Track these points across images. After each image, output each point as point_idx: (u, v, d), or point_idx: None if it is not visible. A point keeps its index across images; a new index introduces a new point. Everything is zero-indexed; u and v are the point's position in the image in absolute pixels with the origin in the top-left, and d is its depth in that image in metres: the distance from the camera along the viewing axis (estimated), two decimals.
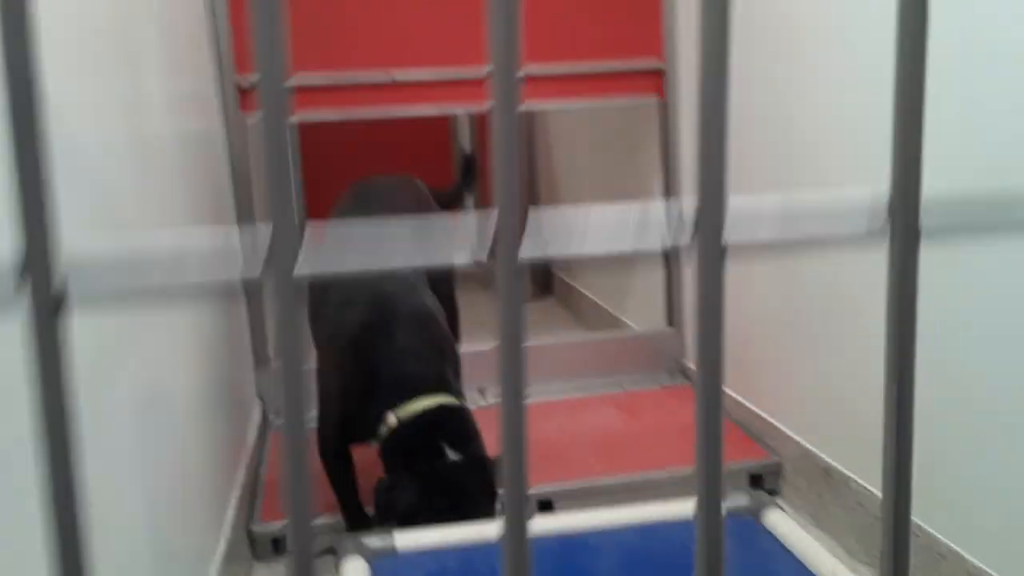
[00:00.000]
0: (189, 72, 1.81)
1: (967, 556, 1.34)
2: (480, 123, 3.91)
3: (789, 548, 1.27)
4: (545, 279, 3.96)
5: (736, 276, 2.01)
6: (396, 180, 2.01)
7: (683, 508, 1.41)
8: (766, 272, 1.91)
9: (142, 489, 1.13)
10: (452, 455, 1.47)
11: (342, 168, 4.03)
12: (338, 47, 2.13)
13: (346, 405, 1.58)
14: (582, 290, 3.45)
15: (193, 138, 1.78)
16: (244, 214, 2.13)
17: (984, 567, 1.31)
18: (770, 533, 1.32)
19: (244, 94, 2.08)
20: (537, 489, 1.75)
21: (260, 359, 2.18)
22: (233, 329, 1.99)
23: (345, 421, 1.59)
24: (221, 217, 1.99)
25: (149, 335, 1.22)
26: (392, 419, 1.49)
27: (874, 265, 1.52)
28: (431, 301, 1.66)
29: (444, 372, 1.56)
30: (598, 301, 3.22)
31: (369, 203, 1.87)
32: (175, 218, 1.49)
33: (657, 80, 2.28)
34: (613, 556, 1.31)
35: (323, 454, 1.63)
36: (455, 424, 1.50)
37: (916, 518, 1.44)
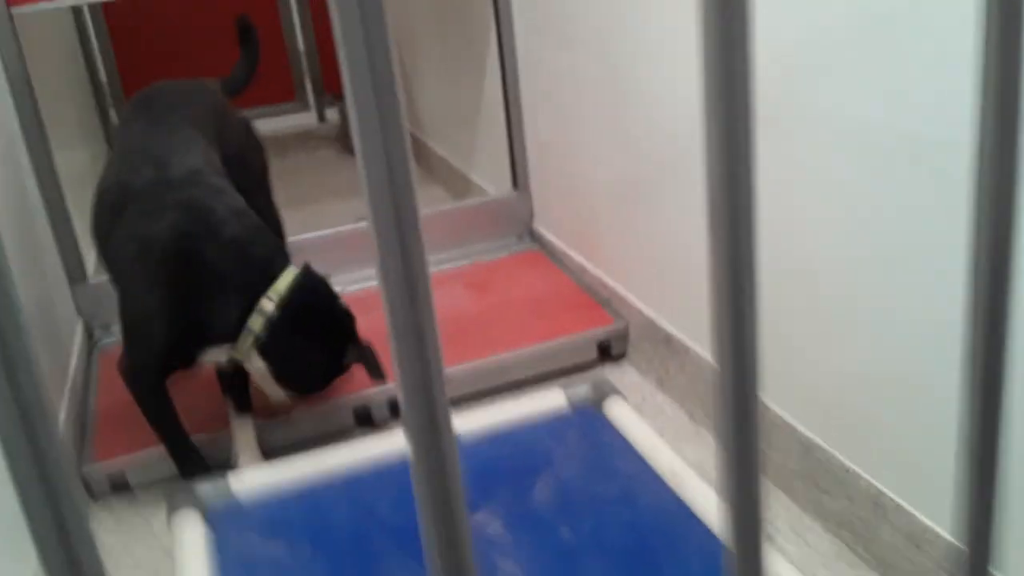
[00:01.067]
0: None
1: (799, 427, 1.39)
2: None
3: (629, 439, 1.28)
4: None
5: (579, 139, 1.94)
6: (181, 86, 1.78)
7: (527, 406, 1.40)
8: (608, 137, 1.85)
9: None
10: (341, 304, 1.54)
11: (164, 55, 3.69)
12: None
13: (176, 322, 1.44)
14: (429, 144, 3.33)
15: None
16: (31, 127, 1.88)
17: (814, 437, 1.37)
18: (611, 424, 1.33)
19: None
20: (387, 388, 1.71)
21: (74, 276, 2.00)
22: (36, 246, 1.80)
23: (173, 344, 1.47)
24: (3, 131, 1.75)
25: None
26: (267, 303, 1.43)
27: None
28: (233, 196, 1.54)
29: (282, 245, 1.55)
30: (447, 157, 3.12)
31: (152, 114, 1.66)
32: None
33: None
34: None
35: (141, 390, 1.51)
36: (323, 282, 1.53)
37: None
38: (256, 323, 1.44)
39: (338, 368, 1.54)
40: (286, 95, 3.82)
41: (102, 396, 1.82)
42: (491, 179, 2.61)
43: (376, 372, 1.52)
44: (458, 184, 2.95)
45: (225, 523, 1.20)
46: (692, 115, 1.51)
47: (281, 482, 1.27)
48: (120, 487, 1.65)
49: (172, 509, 1.21)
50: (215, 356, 1.50)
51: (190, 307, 1.44)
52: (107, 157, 1.66)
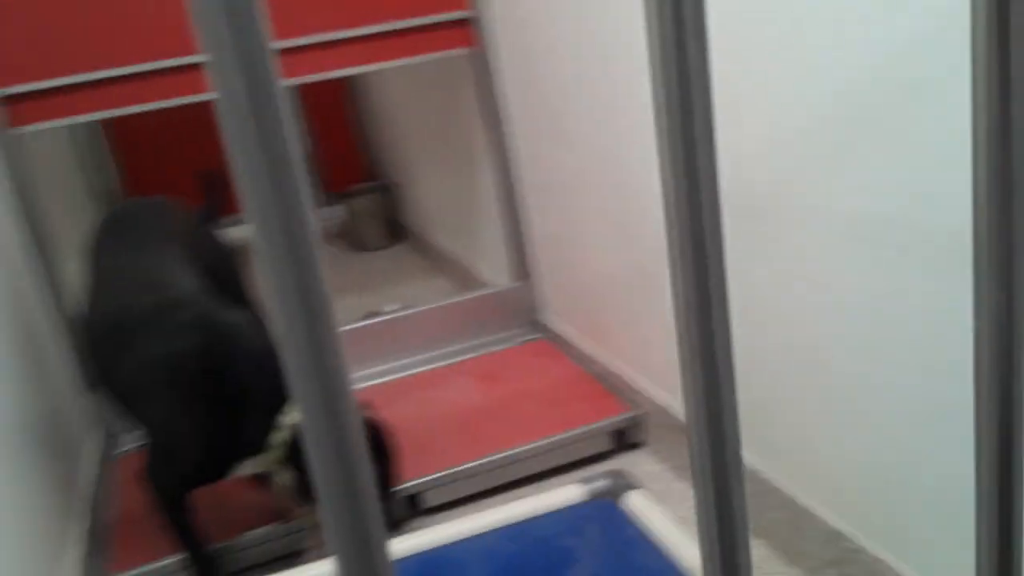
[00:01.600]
0: None
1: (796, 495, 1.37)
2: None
3: (650, 533, 1.26)
4: (396, 226, 3.87)
5: (581, 229, 1.97)
6: (146, 205, 1.80)
7: (545, 501, 1.38)
8: (609, 227, 1.87)
9: None
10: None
11: (167, 159, 3.78)
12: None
13: (204, 442, 1.43)
14: (432, 239, 3.38)
15: None
16: (40, 243, 1.92)
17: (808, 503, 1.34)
18: (630, 517, 1.30)
19: (12, 105, 1.84)
20: (403, 485, 1.69)
21: (92, 384, 2.01)
22: (43, 360, 1.81)
23: (201, 463, 1.46)
24: (7, 252, 1.78)
25: None
26: (289, 419, 1.44)
27: None
28: (237, 309, 1.54)
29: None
30: (449, 250, 3.15)
31: (128, 236, 1.68)
32: None
33: (466, 31, 2.16)
34: (479, 567, 1.27)
35: (166, 507, 1.48)
36: None
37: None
38: (280, 437, 1.43)
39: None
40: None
41: (126, 504, 1.80)
42: (495, 271, 2.64)
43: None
44: (463, 276, 2.98)
45: None
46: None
47: None
48: None
49: None
50: (243, 470, 1.49)
51: (218, 425, 1.43)
52: (88, 283, 1.64)
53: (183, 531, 1.51)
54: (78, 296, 2.00)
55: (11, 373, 1.55)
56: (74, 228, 2.74)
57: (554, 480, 1.82)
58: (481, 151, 2.46)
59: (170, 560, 1.61)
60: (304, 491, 1.47)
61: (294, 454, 1.44)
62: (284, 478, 1.46)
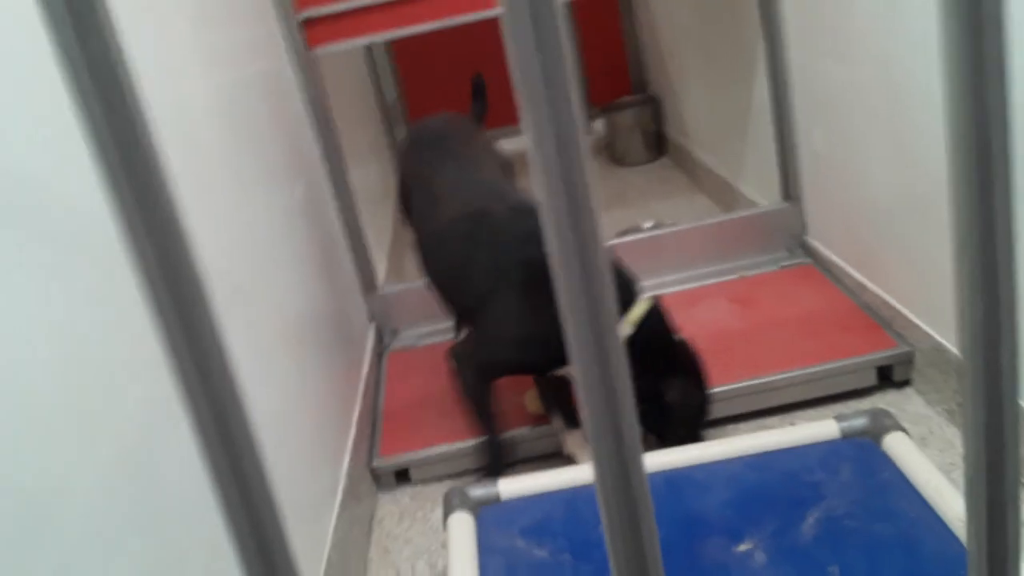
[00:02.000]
0: (251, 18, 1.75)
1: None
2: None
3: (911, 478, 1.19)
4: (658, 141, 3.81)
5: (858, 150, 1.83)
6: (452, 121, 1.92)
7: (797, 434, 1.34)
8: (889, 150, 1.73)
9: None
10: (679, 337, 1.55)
11: (445, 79, 3.97)
12: None
13: (535, 343, 1.51)
14: (696, 154, 3.29)
15: (266, 82, 1.74)
16: (331, 152, 2.10)
17: None
18: (891, 460, 1.24)
19: (309, 28, 2.01)
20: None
21: (367, 286, 2.21)
22: (334, 262, 2.01)
23: (523, 361, 1.58)
24: (303, 159, 1.97)
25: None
26: (624, 328, 1.49)
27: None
28: None
29: (635, 276, 1.60)
30: (712, 166, 3.06)
31: (451, 150, 1.79)
32: (259, 169, 1.49)
33: None
34: (720, 491, 1.27)
35: (473, 385, 1.62)
36: (666, 320, 1.55)
37: None
38: None
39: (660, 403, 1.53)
40: (511, 119, 3.95)
41: (389, 396, 1.99)
42: (760, 190, 2.53)
43: (682, 426, 1.53)
44: (725, 195, 2.89)
45: (492, 525, 1.26)
46: None
47: (546, 490, 1.31)
48: (404, 479, 1.80)
49: (447, 510, 1.29)
50: (560, 372, 1.60)
51: (553, 329, 1.51)
52: (417, 193, 1.79)
53: (483, 413, 1.64)
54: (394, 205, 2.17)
55: (312, 271, 1.74)
56: (361, 139, 2.98)
57: (809, 413, 1.75)
58: (752, 63, 2.34)
59: (433, 449, 1.76)
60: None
61: None
62: None
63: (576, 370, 0.27)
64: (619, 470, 0.29)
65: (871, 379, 1.78)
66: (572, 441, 1.72)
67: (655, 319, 1.52)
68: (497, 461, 1.66)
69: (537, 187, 0.26)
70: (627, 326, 1.48)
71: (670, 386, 1.52)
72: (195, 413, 0.24)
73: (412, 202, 1.81)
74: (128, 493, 0.84)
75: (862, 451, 1.26)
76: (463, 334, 2.02)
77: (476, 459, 1.76)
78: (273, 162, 1.64)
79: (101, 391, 0.83)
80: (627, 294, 1.51)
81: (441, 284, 1.72)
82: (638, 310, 1.51)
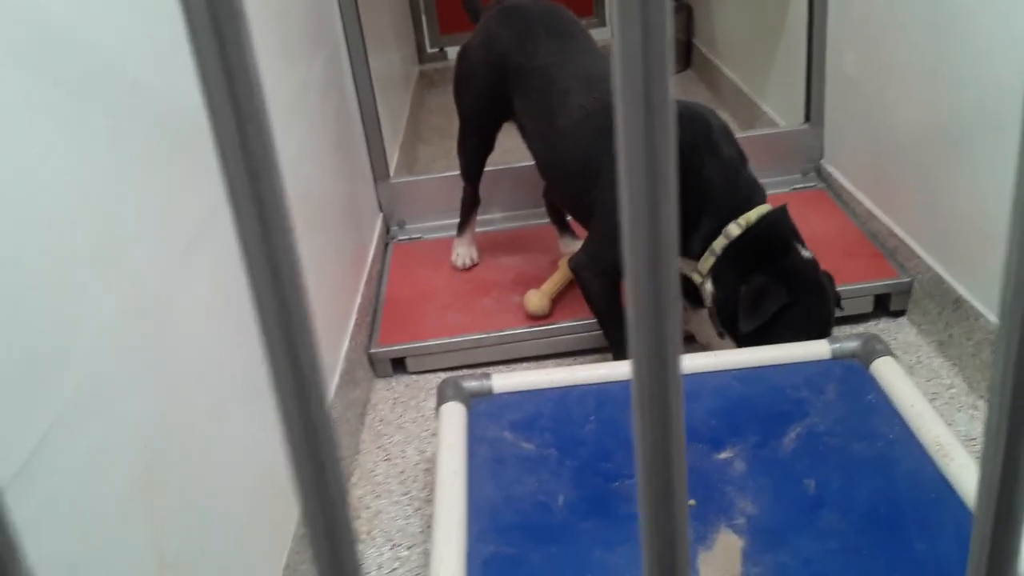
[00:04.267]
0: None
1: None
2: None
3: (894, 402, 1.21)
4: (685, 51, 3.73)
5: (888, 75, 1.79)
6: (550, 4, 1.83)
7: (788, 351, 1.37)
8: (922, 76, 1.70)
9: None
10: (805, 252, 1.48)
11: None
12: None
13: None
14: (722, 67, 3.23)
15: None
16: (352, 32, 2.06)
17: None
18: (877, 383, 1.26)
19: None
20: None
21: (379, 174, 2.20)
22: (348, 146, 2.01)
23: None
24: (324, 33, 1.94)
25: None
26: (735, 228, 1.46)
27: None
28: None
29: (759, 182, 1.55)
30: (737, 81, 3.01)
31: (566, 35, 1.72)
32: (278, 34, 1.47)
33: None
34: (707, 400, 1.30)
35: (596, 289, 1.60)
36: (791, 226, 1.50)
37: None
38: (719, 245, 1.47)
39: (800, 309, 1.45)
40: (585, 10, 3.84)
41: (392, 286, 2.02)
42: (783, 110, 2.50)
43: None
44: (746, 112, 2.85)
45: (483, 417, 1.30)
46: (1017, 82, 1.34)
47: (538, 387, 1.35)
48: (401, 368, 1.84)
49: (441, 400, 1.33)
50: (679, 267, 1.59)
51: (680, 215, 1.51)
52: (527, 79, 1.71)
53: (610, 309, 1.62)
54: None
55: (324, 151, 1.73)
56: (386, 25, 2.92)
57: None
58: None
59: (431, 341, 1.80)
60: (721, 313, 1.51)
61: (722, 266, 1.47)
62: (707, 289, 1.51)
63: (627, 261, 0.27)
64: (658, 366, 0.29)
65: (867, 306, 1.80)
66: (696, 320, 1.69)
67: (774, 224, 1.48)
68: (623, 346, 1.65)
69: (617, 78, 0.26)
70: (735, 226, 1.46)
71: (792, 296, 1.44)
72: (251, 266, 0.25)
73: (515, 89, 1.74)
74: (139, 336, 0.87)
75: (850, 372, 1.29)
76: (462, 233, 2.03)
77: (472, 355, 1.80)
78: (292, 29, 1.61)
79: (114, 235, 0.84)
80: (745, 198, 1.48)
81: (560, 178, 1.69)
82: (754, 213, 1.47)
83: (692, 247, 1.50)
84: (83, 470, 0.75)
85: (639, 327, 0.27)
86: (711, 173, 1.47)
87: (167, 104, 1.00)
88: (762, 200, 1.51)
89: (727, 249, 1.46)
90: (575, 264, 1.64)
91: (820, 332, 1.44)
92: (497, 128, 1.91)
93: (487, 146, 1.95)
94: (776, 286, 1.43)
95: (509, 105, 1.80)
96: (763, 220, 1.46)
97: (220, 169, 0.24)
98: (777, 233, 1.47)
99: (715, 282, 1.49)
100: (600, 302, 1.63)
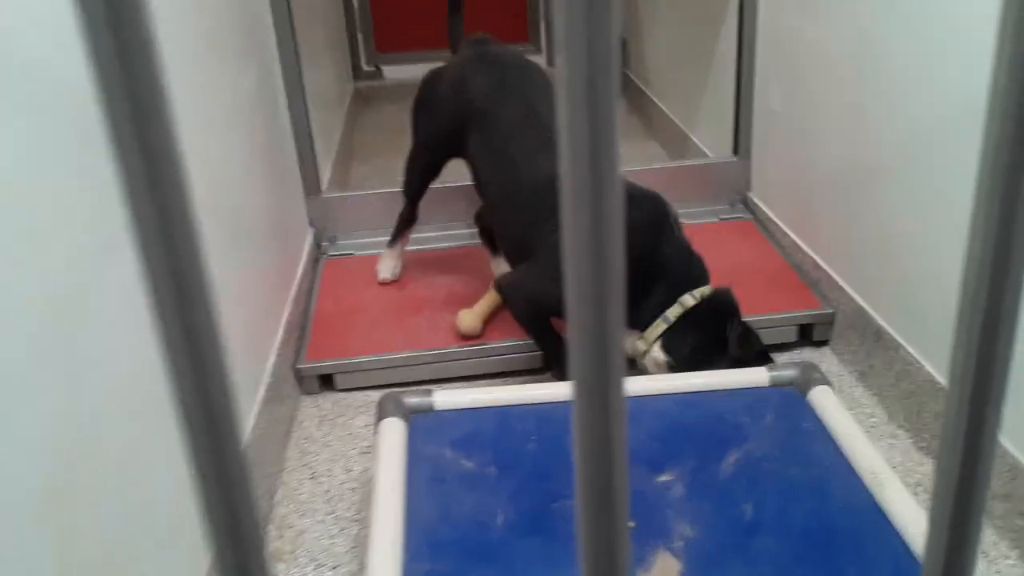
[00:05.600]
0: None
1: (1011, 449, 1.30)
2: None
3: (830, 430, 1.24)
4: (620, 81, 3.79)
5: (812, 112, 1.86)
6: (522, 57, 1.88)
7: (726, 378, 1.39)
8: (844, 114, 1.76)
9: None
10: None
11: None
12: None
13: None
14: (654, 98, 3.30)
15: None
16: (287, 46, 2.02)
17: None
18: (814, 411, 1.29)
19: None
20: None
21: (310, 189, 2.16)
22: (279, 160, 1.96)
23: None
24: (257, 45, 1.89)
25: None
26: (690, 299, 1.57)
27: (955, 122, 1.37)
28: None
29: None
30: (668, 112, 3.08)
31: (533, 96, 1.75)
32: (209, 43, 1.43)
33: None
34: (648, 423, 1.31)
35: (528, 321, 1.67)
36: (736, 302, 1.61)
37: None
38: (673, 313, 1.56)
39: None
40: (519, 36, 3.87)
41: (321, 302, 1.97)
42: (711, 142, 2.56)
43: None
44: (677, 143, 2.92)
45: (423, 434, 1.28)
46: (944, 103, 1.41)
47: (479, 405, 1.33)
48: (328, 385, 1.79)
49: (380, 415, 1.30)
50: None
51: (632, 286, 1.54)
52: (492, 123, 1.73)
53: (545, 338, 1.68)
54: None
55: (254, 163, 1.69)
56: (321, 41, 2.88)
57: None
58: (721, 13, 2.34)
59: (360, 359, 1.76)
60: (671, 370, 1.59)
61: (672, 336, 1.56)
62: (655, 356, 1.59)
63: (569, 285, 0.26)
64: (600, 390, 0.28)
65: (792, 335, 1.85)
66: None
67: (724, 298, 1.60)
68: (562, 370, 1.68)
69: (563, 109, 0.25)
70: (690, 297, 1.57)
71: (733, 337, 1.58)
72: (148, 266, 0.22)
73: (476, 132, 1.75)
74: (51, 336, 0.82)
75: (788, 400, 1.32)
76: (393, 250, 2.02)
77: (402, 373, 1.77)
78: (224, 39, 1.57)
79: (31, 228, 0.80)
80: (699, 274, 1.61)
81: (508, 224, 1.72)
82: (707, 288, 1.60)
83: (640, 317, 1.58)
84: None
85: (582, 354, 0.26)
86: (668, 249, 1.58)
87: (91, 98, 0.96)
88: (708, 279, 1.63)
89: (682, 317, 1.56)
90: (504, 284, 1.67)
91: None
92: (446, 160, 1.92)
93: (434, 171, 1.95)
94: (754, 332, 1.61)
95: (463, 144, 1.81)
96: (715, 294, 1.59)
97: (116, 167, 0.21)
98: (727, 306, 1.60)
99: (667, 346, 1.57)
100: (532, 323, 1.67)
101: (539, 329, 1.67)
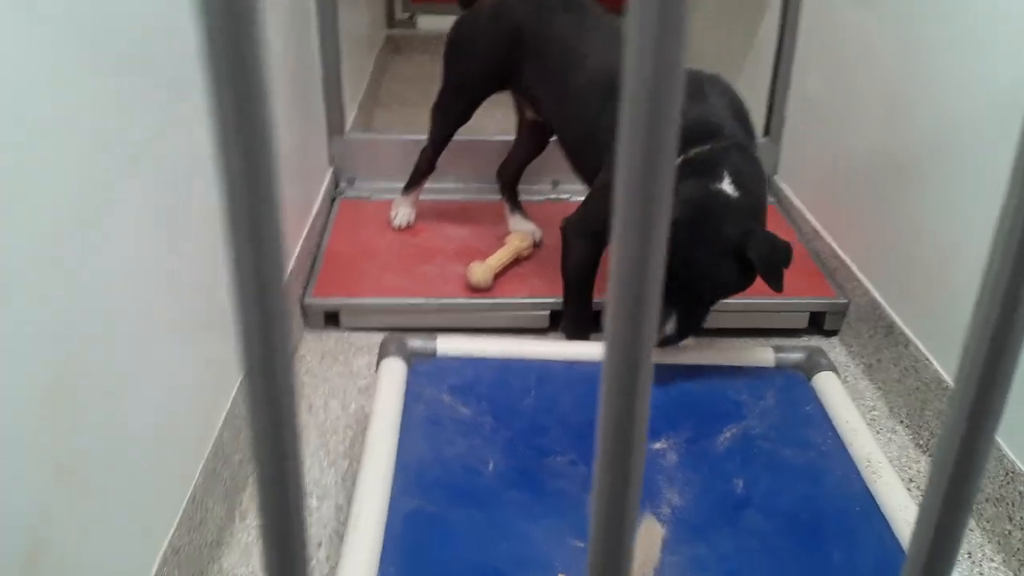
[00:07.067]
0: None
1: (1007, 451, 1.29)
2: None
3: (831, 416, 1.23)
4: None
5: (849, 100, 1.83)
6: None
7: (733, 355, 1.38)
8: (882, 105, 1.73)
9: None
10: (730, 189, 1.33)
11: None
12: None
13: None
14: None
15: None
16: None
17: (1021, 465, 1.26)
18: (816, 396, 1.28)
19: None
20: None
21: (334, 128, 2.14)
22: (306, 95, 1.94)
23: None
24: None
25: None
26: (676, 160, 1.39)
27: (996, 125, 1.35)
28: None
29: (737, 131, 1.44)
30: None
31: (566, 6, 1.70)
32: None
33: None
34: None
35: (577, 261, 1.58)
36: (739, 160, 1.36)
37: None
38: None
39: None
40: None
41: (334, 241, 1.97)
42: None
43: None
44: None
45: (423, 377, 1.27)
46: (987, 104, 1.38)
47: (481, 355, 1.33)
48: (333, 322, 1.79)
49: (383, 355, 1.30)
50: None
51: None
52: (545, 47, 1.69)
53: (584, 288, 1.61)
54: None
55: (280, 94, 1.67)
56: None
57: (733, 342, 1.80)
58: None
59: (366, 299, 1.76)
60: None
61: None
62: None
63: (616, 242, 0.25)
64: (632, 347, 0.28)
65: (802, 322, 1.83)
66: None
67: (725, 156, 1.37)
68: (578, 327, 1.64)
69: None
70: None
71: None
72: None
73: (528, 57, 1.71)
74: (64, 243, 0.81)
75: (791, 382, 1.31)
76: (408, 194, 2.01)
77: (407, 318, 1.76)
78: None
79: (53, 133, 0.79)
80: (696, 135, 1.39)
81: (572, 138, 1.66)
82: (704, 148, 1.38)
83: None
84: None
85: (619, 298, 0.25)
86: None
87: (126, 17, 0.95)
88: (721, 139, 1.43)
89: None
90: (565, 222, 1.60)
91: None
92: (485, 97, 1.88)
93: (468, 114, 1.91)
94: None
95: (508, 75, 1.78)
96: (705, 154, 1.39)
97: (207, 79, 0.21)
98: (709, 165, 1.38)
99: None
100: (576, 267, 1.59)
101: (579, 285, 1.61)
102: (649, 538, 1.14)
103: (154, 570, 1.03)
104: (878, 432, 1.56)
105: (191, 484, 1.15)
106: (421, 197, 2.06)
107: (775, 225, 2.09)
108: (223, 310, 1.31)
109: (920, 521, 0.35)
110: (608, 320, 0.25)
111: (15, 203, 0.73)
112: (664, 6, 0.23)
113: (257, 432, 0.25)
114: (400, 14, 3.75)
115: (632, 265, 0.25)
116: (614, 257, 0.25)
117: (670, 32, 0.24)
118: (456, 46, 1.88)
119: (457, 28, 1.88)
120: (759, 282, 1.86)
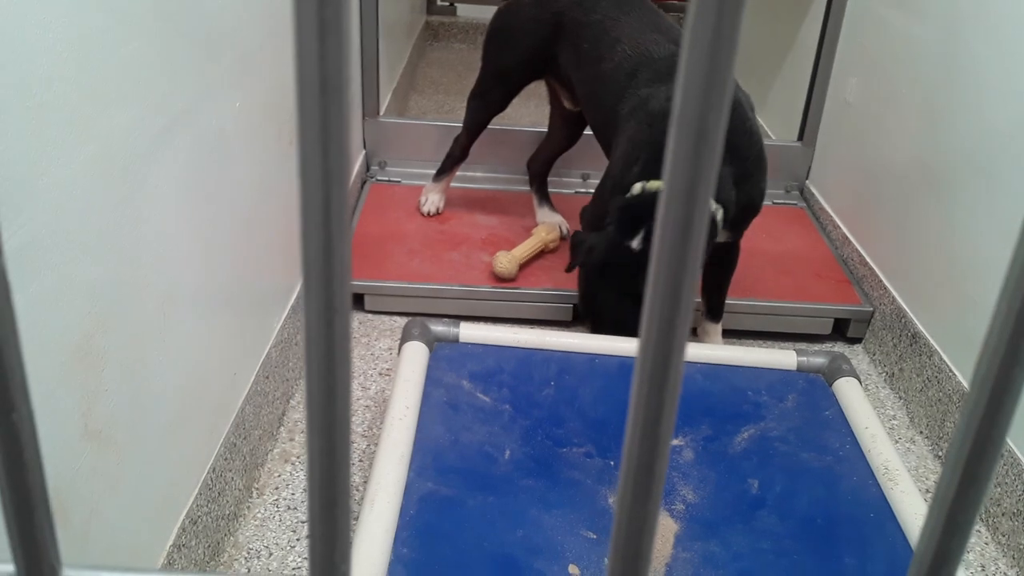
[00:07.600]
0: None
1: None
2: None
3: (851, 422, 1.23)
4: None
5: (886, 107, 1.81)
6: None
7: (755, 355, 1.38)
8: (920, 112, 1.72)
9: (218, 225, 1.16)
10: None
11: None
12: None
13: (616, 174, 1.47)
14: None
15: None
16: None
17: None
18: (837, 401, 1.28)
19: None
20: None
21: (369, 111, 2.16)
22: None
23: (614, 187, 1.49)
24: None
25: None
26: (637, 188, 1.40)
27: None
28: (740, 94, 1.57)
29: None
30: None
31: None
32: None
33: None
34: None
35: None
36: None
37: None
38: (624, 199, 1.41)
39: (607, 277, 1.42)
40: None
41: (363, 224, 1.98)
42: (777, 124, 2.51)
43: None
44: None
45: (445, 362, 1.29)
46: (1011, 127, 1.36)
47: (503, 343, 1.33)
48: (360, 303, 1.81)
49: (405, 338, 1.31)
50: None
51: (622, 164, 1.47)
52: (588, 33, 1.69)
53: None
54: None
55: None
56: None
57: (755, 344, 1.80)
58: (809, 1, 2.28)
59: (391, 284, 1.77)
60: None
61: (616, 213, 1.40)
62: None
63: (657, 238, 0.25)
64: (666, 344, 0.28)
65: (826, 328, 1.82)
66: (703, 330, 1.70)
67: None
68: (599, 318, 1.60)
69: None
70: (637, 187, 1.40)
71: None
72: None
73: (565, 43, 1.73)
74: (102, 203, 0.83)
75: (812, 386, 1.30)
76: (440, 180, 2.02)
77: (431, 304, 1.78)
78: None
79: (97, 93, 0.80)
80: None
81: (599, 121, 1.67)
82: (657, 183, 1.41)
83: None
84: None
85: (657, 291, 0.26)
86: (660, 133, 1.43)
87: None
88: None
89: (622, 205, 1.41)
90: (583, 210, 1.60)
91: None
92: (524, 85, 1.90)
93: (505, 103, 1.92)
94: (598, 245, 1.44)
95: (547, 63, 1.79)
96: (653, 194, 1.42)
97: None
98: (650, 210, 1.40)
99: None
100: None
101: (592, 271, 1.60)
102: (662, 534, 1.14)
103: (172, 538, 1.05)
104: (897, 441, 1.55)
105: (212, 456, 1.17)
106: (451, 184, 2.07)
107: (803, 230, 2.09)
108: (252, 285, 1.33)
109: (929, 519, 0.36)
110: (645, 315, 0.26)
111: (61, 163, 0.75)
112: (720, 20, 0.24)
113: (312, 392, 0.26)
114: (440, 1, 3.76)
115: (670, 265, 0.25)
116: (654, 259, 0.25)
117: (723, 42, 0.24)
118: (499, 32, 1.89)
119: (500, 16, 1.89)
120: (785, 288, 1.86)
